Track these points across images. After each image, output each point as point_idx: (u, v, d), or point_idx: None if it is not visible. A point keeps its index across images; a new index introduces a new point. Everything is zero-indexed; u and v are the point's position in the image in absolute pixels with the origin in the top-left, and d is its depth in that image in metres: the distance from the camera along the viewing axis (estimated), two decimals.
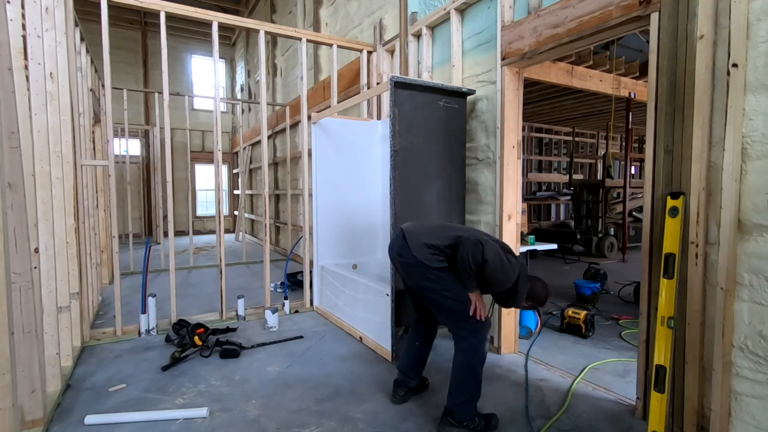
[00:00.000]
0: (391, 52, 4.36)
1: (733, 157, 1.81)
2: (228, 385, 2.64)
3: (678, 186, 1.99)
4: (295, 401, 2.45)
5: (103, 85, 5.22)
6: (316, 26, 6.41)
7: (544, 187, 9.92)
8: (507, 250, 2.13)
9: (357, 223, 4.36)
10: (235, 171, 11.09)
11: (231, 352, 3.07)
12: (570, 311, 3.54)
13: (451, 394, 2.15)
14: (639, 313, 2.19)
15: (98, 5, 3.31)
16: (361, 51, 4.54)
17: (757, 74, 1.76)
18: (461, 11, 3.38)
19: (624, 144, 7.09)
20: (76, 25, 3.57)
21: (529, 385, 2.63)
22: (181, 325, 3.46)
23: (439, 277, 2.12)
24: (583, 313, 3.46)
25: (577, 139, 10.14)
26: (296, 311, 4.18)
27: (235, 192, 11.11)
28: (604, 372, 2.82)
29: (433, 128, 3.12)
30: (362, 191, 4.37)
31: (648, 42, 2.15)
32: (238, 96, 11.99)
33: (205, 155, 11.67)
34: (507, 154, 3.03)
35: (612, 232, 7.76)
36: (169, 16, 3.61)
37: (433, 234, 2.21)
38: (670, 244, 1.94)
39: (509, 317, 3.11)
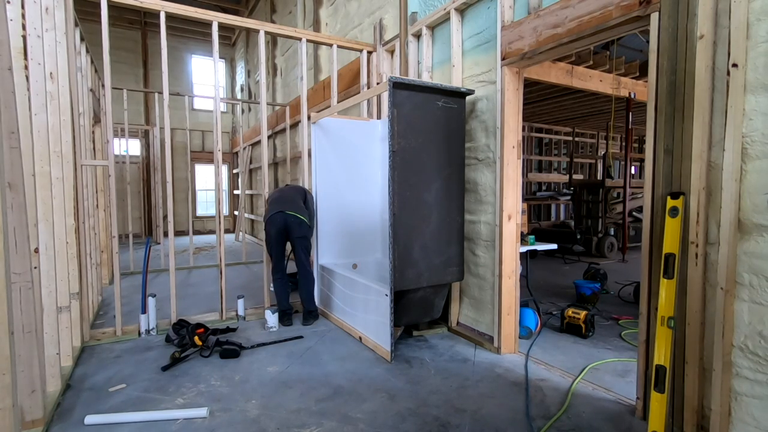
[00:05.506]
0: (391, 52, 4.36)
1: (733, 157, 1.81)
2: (228, 385, 2.64)
3: (678, 186, 1.99)
4: (295, 401, 2.45)
5: (103, 85, 5.22)
6: (316, 26, 6.41)
7: (544, 187, 9.92)
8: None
9: (357, 222, 4.36)
10: (235, 171, 11.09)
11: (231, 352, 3.07)
12: (570, 311, 3.54)
13: (309, 301, 3.87)
14: (639, 313, 2.19)
15: (98, 5, 3.31)
16: (361, 51, 4.54)
17: (757, 74, 1.76)
18: (461, 11, 3.38)
19: (624, 144, 7.09)
20: (76, 25, 3.57)
21: (529, 385, 2.63)
22: (181, 325, 3.46)
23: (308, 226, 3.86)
24: (583, 313, 3.46)
25: (577, 139, 10.14)
26: (296, 311, 4.18)
27: (235, 192, 11.12)
28: (604, 372, 2.82)
29: (432, 128, 3.12)
30: (362, 191, 4.38)
31: (648, 42, 2.15)
32: (238, 96, 11.99)
33: (205, 155, 11.67)
34: (507, 154, 3.03)
35: (612, 232, 7.75)
36: (169, 16, 3.61)
37: (295, 200, 3.86)
38: (670, 244, 1.94)
39: (509, 317, 3.11)
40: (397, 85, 2.92)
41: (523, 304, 3.51)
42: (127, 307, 4.20)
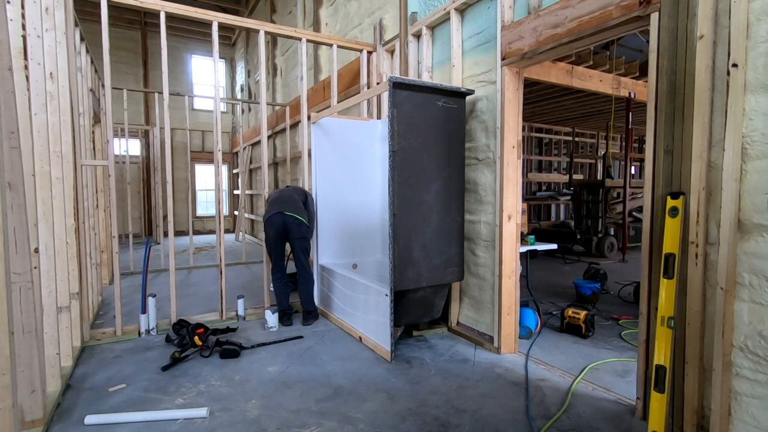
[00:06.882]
0: (391, 52, 4.36)
1: (733, 157, 1.81)
2: (228, 385, 2.64)
3: (678, 186, 1.99)
4: (295, 401, 2.45)
5: (103, 85, 5.22)
6: (316, 26, 6.41)
7: (544, 187, 9.92)
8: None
9: (357, 222, 4.36)
10: (235, 171, 11.09)
11: (231, 352, 3.07)
12: (570, 311, 3.54)
13: (308, 302, 3.86)
14: (639, 313, 2.19)
15: (98, 5, 3.31)
16: (361, 51, 4.54)
17: (757, 74, 1.76)
18: (461, 11, 3.38)
19: (624, 144, 7.09)
20: (76, 25, 3.57)
21: (529, 385, 2.63)
22: (181, 325, 3.46)
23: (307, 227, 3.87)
24: (583, 313, 3.46)
25: (577, 139, 10.14)
26: (296, 311, 4.18)
27: (235, 192, 11.11)
28: (604, 372, 2.82)
29: (432, 128, 3.12)
30: (362, 191, 4.38)
31: (648, 42, 2.15)
32: (238, 96, 11.99)
33: (205, 155, 11.67)
34: (507, 154, 3.03)
35: (612, 232, 7.75)
36: (169, 16, 3.61)
37: (294, 201, 3.85)
38: (670, 244, 1.94)
39: (509, 317, 3.11)
40: (397, 85, 2.92)
41: (523, 304, 3.51)
42: (127, 307, 4.20)
